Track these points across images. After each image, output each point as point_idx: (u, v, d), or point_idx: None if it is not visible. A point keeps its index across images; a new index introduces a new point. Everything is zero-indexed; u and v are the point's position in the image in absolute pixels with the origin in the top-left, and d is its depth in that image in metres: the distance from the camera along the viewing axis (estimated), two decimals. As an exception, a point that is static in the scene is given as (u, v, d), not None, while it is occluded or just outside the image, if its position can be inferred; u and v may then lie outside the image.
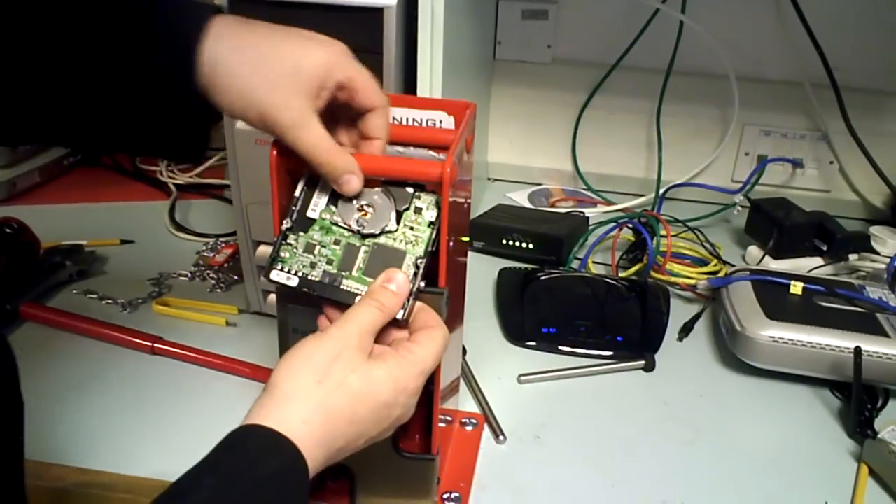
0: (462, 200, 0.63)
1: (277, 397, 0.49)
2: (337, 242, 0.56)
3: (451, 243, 0.57)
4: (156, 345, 0.84)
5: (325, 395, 0.49)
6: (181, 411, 0.76)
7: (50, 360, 0.83)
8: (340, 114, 0.57)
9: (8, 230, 0.96)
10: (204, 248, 1.08)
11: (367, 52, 0.76)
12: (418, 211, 0.56)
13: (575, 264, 1.04)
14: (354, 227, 0.56)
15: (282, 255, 0.56)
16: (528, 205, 1.23)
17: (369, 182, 0.56)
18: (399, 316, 0.54)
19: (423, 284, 0.55)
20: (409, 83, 0.80)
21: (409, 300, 0.54)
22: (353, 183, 0.55)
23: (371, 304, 0.53)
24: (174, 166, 1.31)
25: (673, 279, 0.98)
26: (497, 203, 1.19)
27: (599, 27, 1.20)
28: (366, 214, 0.56)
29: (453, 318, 0.67)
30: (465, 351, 0.84)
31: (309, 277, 0.56)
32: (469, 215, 0.68)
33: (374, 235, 0.56)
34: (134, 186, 1.28)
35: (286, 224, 0.57)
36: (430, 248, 0.55)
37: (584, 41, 1.22)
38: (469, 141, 0.61)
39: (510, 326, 0.90)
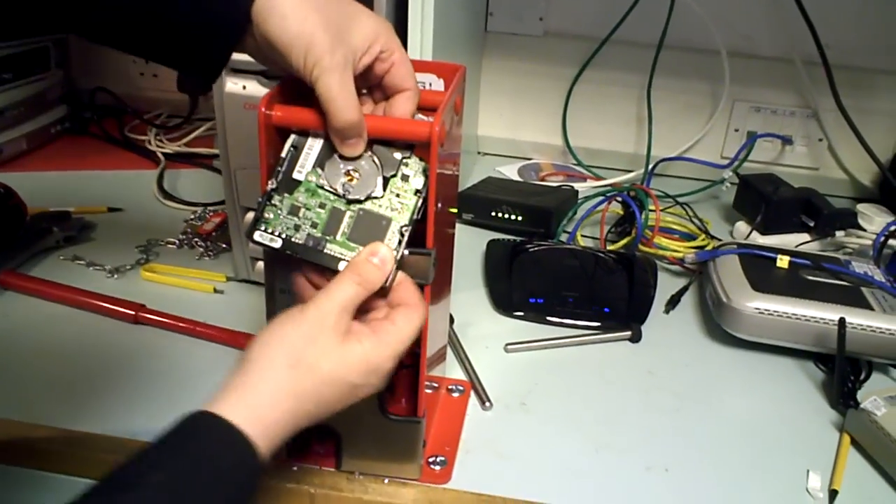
0: (450, 171, 0.62)
1: (250, 376, 0.49)
2: (322, 206, 0.56)
3: (439, 205, 0.57)
4: (139, 313, 0.84)
5: (297, 379, 0.50)
6: (162, 378, 0.76)
7: (33, 330, 0.83)
8: (372, 89, 0.59)
9: (-6, 195, 0.95)
10: (192, 216, 1.07)
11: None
12: (405, 178, 0.56)
13: (564, 237, 1.05)
14: (340, 191, 0.56)
15: (266, 215, 0.56)
16: (517, 179, 1.23)
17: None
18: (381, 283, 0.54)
19: (406, 253, 0.55)
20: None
21: (394, 268, 0.54)
22: (358, 146, 0.55)
23: (352, 279, 0.53)
24: (163, 135, 1.30)
25: (661, 252, 0.98)
26: (487, 176, 1.19)
27: (591, 1, 1.20)
28: (352, 179, 0.56)
29: (440, 287, 0.67)
30: (452, 320, 0.85)
31: (293, 240, 0.55)
32: (457, 186, 0.68)
33: (359, 201, 0.56)
34: (122, 155, 1.27)
35: (271, 184, 0.56)
36: (415, 217, 0.55)
37: (575, 14, 1.21)
38: (458, 103, 0.61)
39: (498, 297, 0.90)
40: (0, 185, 0.96)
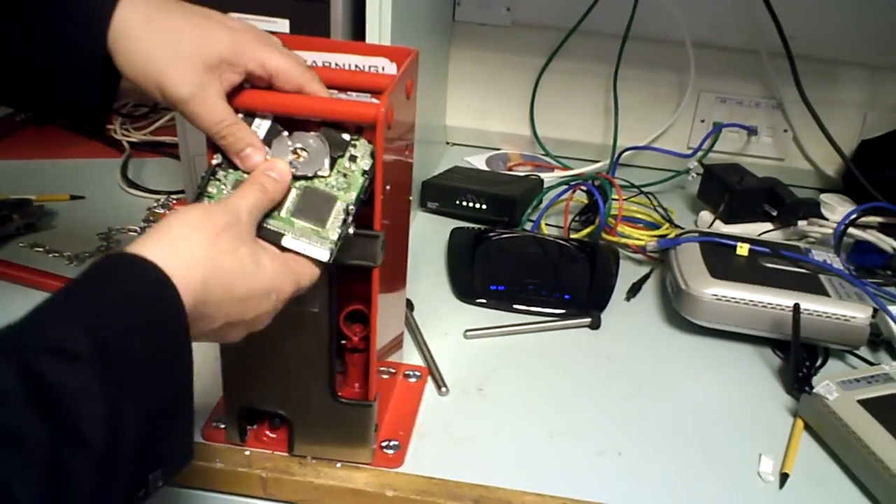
0: (403, 158, 0.62)
1: (162, 240, 0.47)
2: None
3: (387, 187, 0.56)
4: (100, 297, 0.83)
5: (215, 255, 0.48)
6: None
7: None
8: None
9: (-48, 182, 0.94)
10: (155, 204, 1.07)
11: (315, 0, 0.76)
12: (353, 159, 0.56)
13: (528, 226, 1.05)
14: None
15: (209, 190, 0.56)
16: (485, 169, 1.23)
17: (306, 125, 0.56)
18: (324, 258, 0.54)
19: (352, 231, 0.55)
20: (358, 36, 0.79)
21: (337, 244, 0.54)
22: (253, 157, 0.55)
23: (254, 186, 0.53)
24: (129, 124, 1.29)
25: (624, 241, 0.99)
26: (454, 165, 1.19)
27: (558, -10, 1.20)
28: (299, 157, 0.56)
29: (394, 274, 0.67)
30: (412, 306, 0.85)
31: None
32: (411, 173, 0.67)
33: (306, 178, 0.56)
34: (87, 144, 1.25)
35: (216, 160, 0.56)
36: (361, 197, 0.55)
37: (543, 4, 1.21)
38: (409, 87, 0.61)
39: (460, 284, 0.90)
40: (-42, 171, 0.95)
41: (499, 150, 1.30)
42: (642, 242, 0.97)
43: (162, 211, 1.04)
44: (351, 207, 0.55)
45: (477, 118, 1.29)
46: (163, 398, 0.45)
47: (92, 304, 0.42)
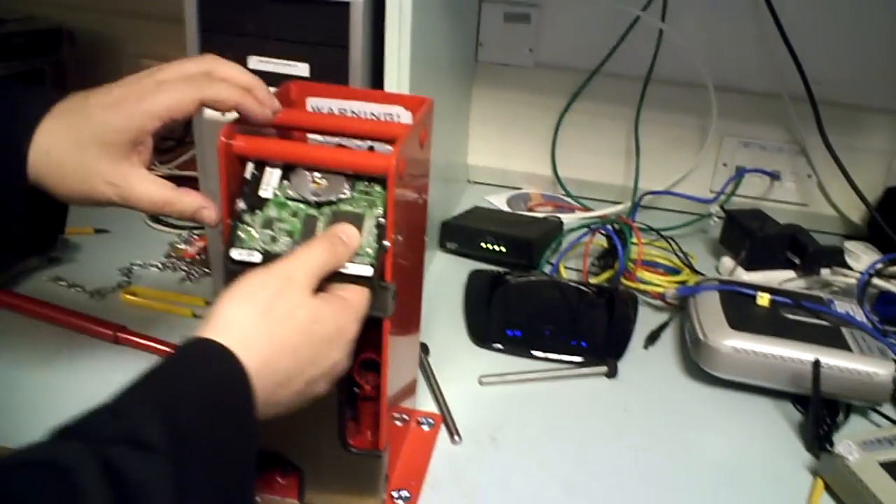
0: (416, 197, 0.62)
1: (216, 323, 0.48)
2: (295, 215, 0.56)
3: (399, 237, 0.56)
4: (118, 334, 0.84)
5: (270, 326, 0.49)
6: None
7: (13, 345, 0.83)
8: None
9: (-22, 215, 0.95)
10: (177, 239, 1.07)
11: (334, 46, 0.76)
12: (371, 179, 0.56)
13: (547, 269, 1.04)
14: (310, 197, 0.56)
15: (239, 235, 0.56)
16: (506, 209, 1.23)
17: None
18: (368, 273, 0.54)
19: (387, 244, 0.55)
20: (376, 81, 0.79)
21: (376, 258, 0.54)
22: (210, 215, 0.57)
23: (323, 246, 0.53)
24: (154, 158, 1.30)
25: (643, 287, 0.98)
26: (474, 205, 1.19)
27: (581, 32, 1.21)
28: (319, 185, 0.56)
29: (407, 318, 0.67)
30: (427, 350, 0.84)
31: (271, 251, 0.55)
32: (426, 214, 0.67)
33: (330, 203, 0.56)
34: (113, 177, 1.27)
35: (240, 205, 0.56)
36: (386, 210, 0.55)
37: (565, 46, 1.22)
38: (423, 135, 0.61)
39: (475, 328, 0.90)
40: (-16, 205, 0.97)
41: (520, 189, 1.30)
42: (662, 289, 0.97)
43: (183, 247, 1.05)
44: (381, 220, 0.55)
45: (499, 157, 1.30)
46: (229, 484, 0.45)
47: (167, 392, 0.44)
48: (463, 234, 1.07)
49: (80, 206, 0.56)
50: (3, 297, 0.89)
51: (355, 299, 0.54)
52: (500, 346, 0.87)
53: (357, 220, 0.55)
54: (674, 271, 1.04)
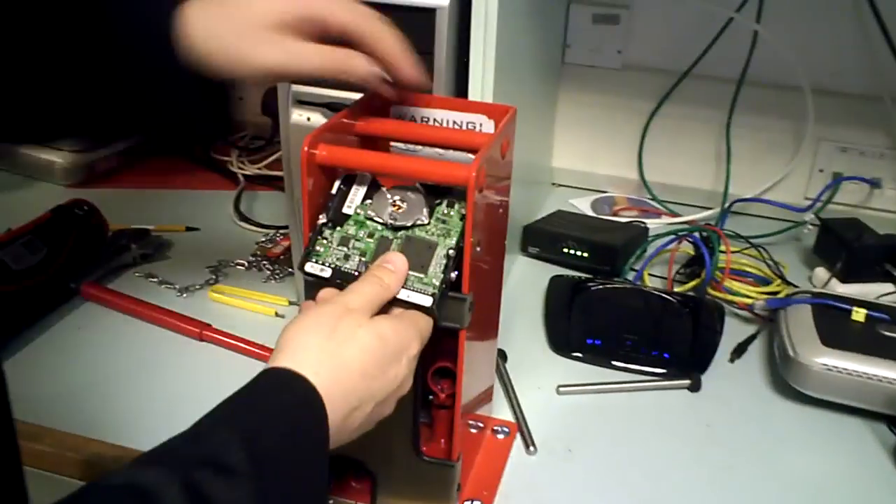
0: (497, 203, 0.62)
1: (285, 353, 0.50)
2: (371, 235, 0.57)
3: (478, 248, 0.56)
4: (204, 332, 0.86)
5: (336, 347, 0.50)
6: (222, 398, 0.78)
7: (104, 340, 0.87)
8: None
9: (78, 212, 1.00)
10: (263, 238, 1.10)
11: (418, 52, 0.76)
12: (451, 205, 0.57)
13: (631, 276, 1.02)
14: (388, 220, 0.57)
15: (317, 248, 0.57)
16: (590, 212, 1.21)
17: (404, 179, 0.57)
18: (427, 304, 0.54)
19: (454, 275, 0.55)
20: (461, 87, 0.79)
21: (439, 289, 0.54)
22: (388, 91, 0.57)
23: (372, 280, 0.54)
24: (244, 157, 1.34)
25: (731, 297, 0.95)
26: (558, 209, 1.17)
27: (671, 34, 1.18)
28: (399, 209, 0.57)
29: (485, 326, 0.67)
30: (505, 357, 0.84)
31: (342, 269, 0.57)
32: (506, 219, 0.67)
33: (406, 228, 0.56)
34: (206, 176, 1.31)
35: (322, 219, 0.58)
36: (461, 243, 0.56)
37: (655, 47, 1.19)
38: (504, 145, 0.60)
39: (555, 336, 0.89)
40: (85, 203, 1.01)
41: (605, 192, 1.28)
42: (750, 300, 0.93)
43: (269, 246, 1.07)
44: (451, 252, 0.56)
45: (584, 160, 1.28)
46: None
47: (247, 418, 0.45)
48: (545, 238, 1.05)
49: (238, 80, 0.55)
50: (95, 291, 0.93)
51: (416, 319, 0.54)
52: (579, 354, 0.86)
53: (429, 248, 0.56)
54: (764, 281, 1.00)
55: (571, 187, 1.30)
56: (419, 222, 0.56)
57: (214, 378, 0.80)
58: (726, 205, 1.12)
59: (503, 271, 0.70)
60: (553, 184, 1.31)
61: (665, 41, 1.19)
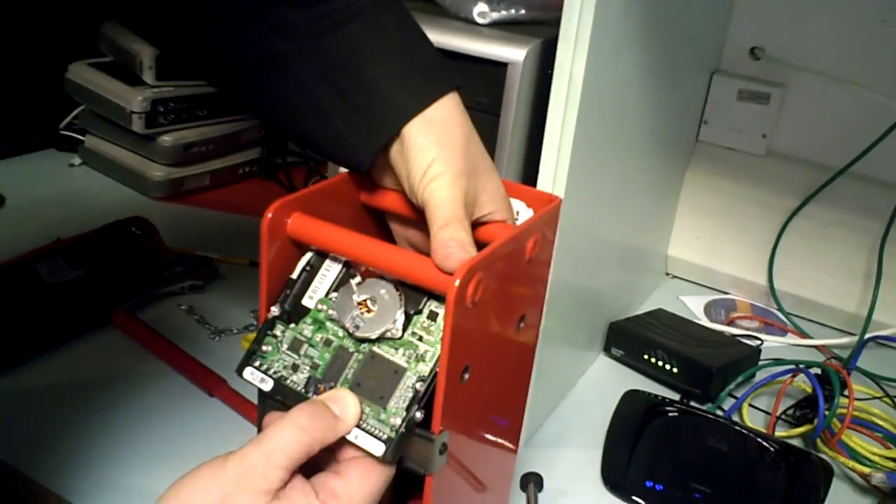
0: (511, 306, 0.48)
1: None
2: (328, 343, 0.45)
3: (466, 376, 0.43)
4: (214, 389, 0.77)
5: None
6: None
7: (121, 372, 0.80)
8: None
9: (136, 230, 0.94)
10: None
11: (484, 112, 0.64)
12: (433, 316, 0.44)
13: (728, 404, 0.85)
14: (349, 326, 0.45)
15: (263, 349, 0.46)
16: (700, 315, 1.04)
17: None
18: (378, 453, 0.42)
19: (420, 416, 0.42)
20: (533, 155, 0.66)
21: (397, 433, 0.42)
22: (452, 257, 0.43)
23: (295, 426, 0.40)
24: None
25: (844, 460, 0.76)
26: (661, 306, 1.01)
27: (830, 122, 1.00)
28: (368, 311, 0.44)
29: (495, 440, 0.53)
30: (541, 485, 0.69)
31: (286, 382, 0.45)
32: (542, 304, 0.53)
33: (370, 341, 0.44)
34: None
35: (275, 311, 0.46)
36: (436, 370, 0.43)
37: (808, 136, 1.02)
38: (532, 245, 0.47)
39: (610, 468, 0.73)
40: (143, 222, 0.95)
41: (726, 294, 1.11)
42: (868, 469, 0.74)
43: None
44: (419, 385, 0.43)
45: (705, 254, 1.11)
46: None
47: None
48: (631, 340, 0.90)
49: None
50: (122, 319, 0.86)
51: (354, 489, 0.41)
52: (637, 500, 0.70)
53: (395, 374, 0.43)
54: (894, 440, 0.80)
55: (687, 281, 1.13)
56: (389, 335, 0.44)
57: (216, 439, 0.70)
58: (864, 335, 0.92)
59: (532, 366, 0.56)
60: (667, 274, 1.14)
61: (821, 130, 1.01)
